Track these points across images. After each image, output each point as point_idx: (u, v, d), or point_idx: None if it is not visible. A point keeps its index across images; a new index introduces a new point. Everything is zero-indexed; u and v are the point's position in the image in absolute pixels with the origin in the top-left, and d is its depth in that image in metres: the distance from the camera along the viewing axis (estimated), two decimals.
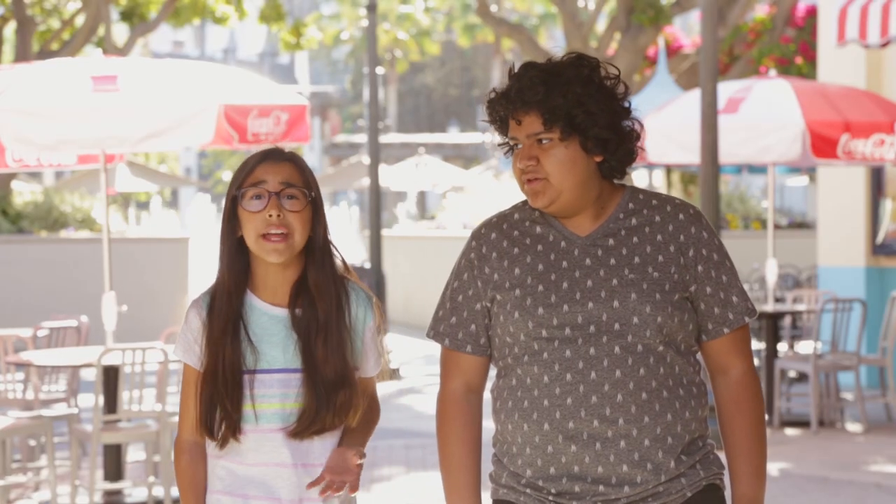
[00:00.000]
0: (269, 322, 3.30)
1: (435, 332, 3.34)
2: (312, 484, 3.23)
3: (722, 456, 3.34)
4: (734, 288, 3.28)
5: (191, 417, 3.32)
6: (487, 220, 3.35)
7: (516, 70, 3.23)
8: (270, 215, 3.24)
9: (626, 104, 3.23)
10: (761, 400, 3.33)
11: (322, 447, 3.29)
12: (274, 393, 3.26)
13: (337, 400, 3.25)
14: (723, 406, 3.31)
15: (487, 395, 3.36)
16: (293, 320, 3.29)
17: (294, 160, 3.33)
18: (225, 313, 3.28)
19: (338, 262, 3.35)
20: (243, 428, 3.26)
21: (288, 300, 3.31)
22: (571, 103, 3.16)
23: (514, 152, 3.25)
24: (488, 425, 3.35)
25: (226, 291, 3.29)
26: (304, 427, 3.25)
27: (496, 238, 3.29)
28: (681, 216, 3.27)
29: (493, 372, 3.38)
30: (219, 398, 3.25)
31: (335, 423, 3.28)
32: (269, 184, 3.27)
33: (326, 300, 3.29)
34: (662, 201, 3.29)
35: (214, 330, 3.28)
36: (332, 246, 3.35)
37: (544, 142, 3.18)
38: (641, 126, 3.28)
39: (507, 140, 3.26)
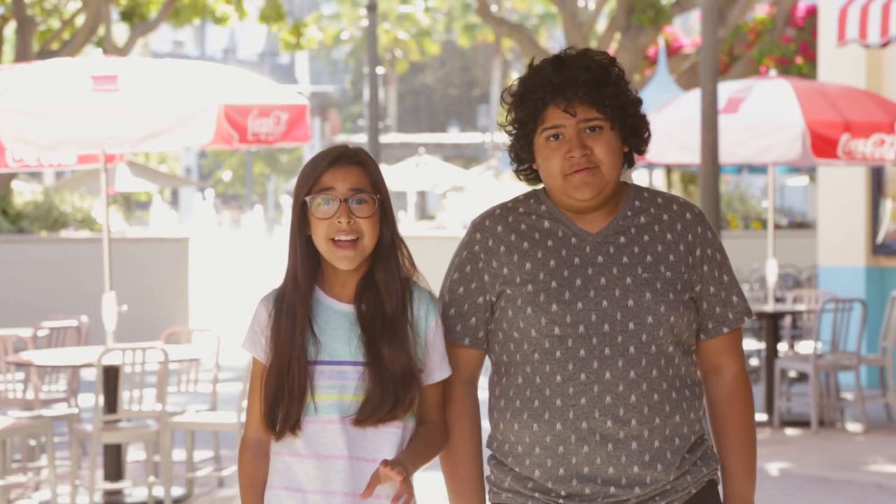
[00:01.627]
0: (333, 316, 3.30)
1: None
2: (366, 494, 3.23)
3: None
4: (734, 288, 3.30)
5: (256, 413, 3.33)
6: (490, 212, 3.31)
7: (547, 63, 3.21)
8: (340, 222, 3.25)
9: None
10: (752, 399, 3.35)
11: (377, 442, 3.27)
12: (332, 384, 3.27)
13: (406, 395, 3.26)
14: (716, 405, 3.32)
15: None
16: (359, 315, 3.29)
17: (362, 163, 3.32)
18: (292, 307, 3.29)
19: (405, 261, 3.35)
20: (302, 420, 3.27)
21: (354, 296, 3.31)
22: (623, 93, 3.20)
23: (545, 147, 3.20)
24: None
25: (295, 287, 3.31)
26: (366, 415, 3.24)
27: (503, 231, 3.26)
28: (687, 215, 3.28)
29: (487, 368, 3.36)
30: (282, 388, 3.27)
31: (397, 414, 3.27)
32: (338, 190, 3.27)
33: (393, 298, 3.29)
34: (667, 200, 3.30)
35: (281, 322, 3.29)
36: (400, 244, 3.35)
37: (595, 130, 3.18)
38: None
39: (522, 137, 3.22)
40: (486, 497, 3.32)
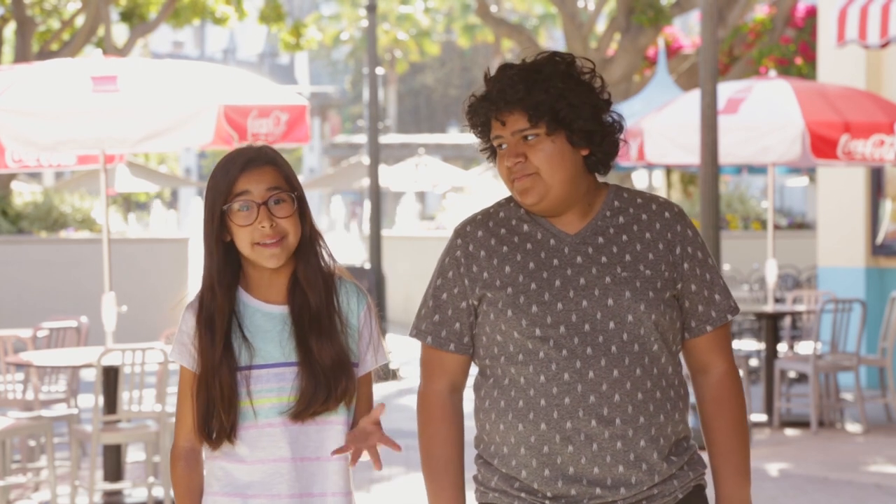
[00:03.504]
0: (263, 319, 3.31)
1: (417, 331, 3.32)
2: (337, 451, 3.25)
3: (704, 455, 3.34)
4: (717, 286, 3.30)
5: (187, 422, 3.33)
6: (472, 218, 3.34)
7: (493, 73, 3.24)
8: (263, 226, 3.25)
9: (606, 97, 3.24)
10: (743, 399, 3.33)
11: (319, 441, 3.29)
12: (271, 388, 3.27)
13: (337, 385, 3.27)
14: (705, 405, 3.33)
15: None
16: (291, 315, 3.30)
17: (274, 161, 3.31)
18: (216, 313, 3.29)
19: (324, 253, 3.36)
20: (242, 425, 3.27)
21: (285, 297, 3.32)
22: (554, 97, 3.17)
23: (498, 154, 3.25)
24: (468, 424, 3.33)
25: (215, 292, 3.30)
26: (301, 408, 3.26)
27: (483, 236, 3.28)
28: (666, 214, 3.29)
29: (473, 370, 3.36)
30: (214, 398, 3.26)
31: (330, 406, 3.28)
32: (255, 193, 3.26)
33: (316, 292, 3.31)
34: (647, 199, 3.32)
35: (207, 330, 3.28)
36: (318, 238, 3.36)
37: (530, 138, 3.19)
38: (621, 117, 3.29)
39: (488, 144, 3.27)
40: (474, 496, 3.32)
